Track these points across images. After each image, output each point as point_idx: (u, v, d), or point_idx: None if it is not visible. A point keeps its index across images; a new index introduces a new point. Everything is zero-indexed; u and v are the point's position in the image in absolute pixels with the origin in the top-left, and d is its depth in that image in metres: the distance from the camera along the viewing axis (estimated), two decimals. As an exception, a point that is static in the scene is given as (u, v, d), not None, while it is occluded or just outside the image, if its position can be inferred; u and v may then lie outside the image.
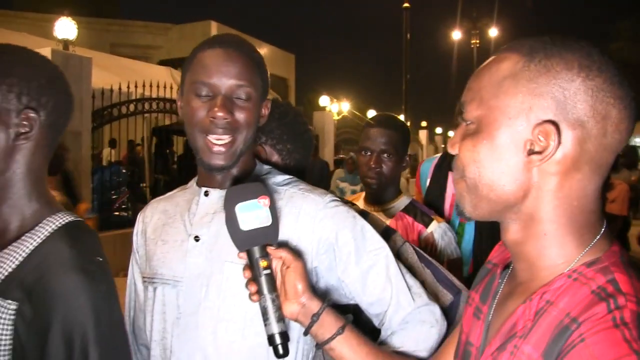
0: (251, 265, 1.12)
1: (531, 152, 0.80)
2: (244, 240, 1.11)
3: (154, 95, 8.40)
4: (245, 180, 1.30)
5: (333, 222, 1.27)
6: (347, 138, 19.19)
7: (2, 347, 1.00)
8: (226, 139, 1.23)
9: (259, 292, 1.10)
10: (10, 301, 1.01)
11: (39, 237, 1.07)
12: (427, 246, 1.98)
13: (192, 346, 1.24)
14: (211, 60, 1.24)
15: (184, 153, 10.95)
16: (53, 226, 1.10)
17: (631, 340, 0.67)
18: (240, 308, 1.21)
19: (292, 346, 1.20)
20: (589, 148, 0.79)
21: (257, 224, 1.10)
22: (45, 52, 6.30)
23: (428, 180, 2.74)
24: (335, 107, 22.80)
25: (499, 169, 0.83)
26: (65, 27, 7.14)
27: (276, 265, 1.14)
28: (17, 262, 1.04)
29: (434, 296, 1.37)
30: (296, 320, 1.14)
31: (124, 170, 9.26)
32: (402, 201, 2.11)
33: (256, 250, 1.11)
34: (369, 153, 2.07)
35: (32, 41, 8.32)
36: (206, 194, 1.32)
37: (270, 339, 1.09)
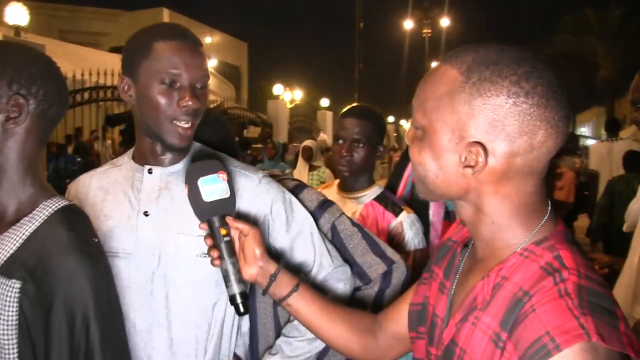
0: (212, 234, 1.23)
1: (466, 165, 0.90)
2: (206, 211, 1.22)
3: (108, 84, 8.33)
4: (197, 159, 1.41)
5: (268, 196, 1.44)
6: (301, 126, 19.27)
7: (9, 323, 1.06)
8: (191, 124, 1.35)
9: (220, 257, 1.21)
10: (14, 280, 1.07)
11: (37, 220, 1.13)
12: (395, 235, 2.06)
13: (147, 311, 1.36)
14: (177, 51, 1.33)
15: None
16: (50, 210, 1.15)
17: (572, 308, 0.77)
18: (192, 274, 1.35)
19: (220, 296, 1.37)
20: (517, 161, 0.88)
21: (218, 196, 1.21)
22: (-4, 38, 6.21)
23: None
24: (288, 95, 22.85)
25: (441, 175, 0.94)
26: (17, 13, 7.00)
27: (234, 234, 1.26)
28: (17, 244, 1.10)
29: (368, 266, 1.59)
30: (255, 282, 1.27)
31: (79, 159, 9.18)
32: (374, 190, 2.17)
33: (216, 220, 1.22)
34: (341, 142, 2.14)
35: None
36: (150, 171, 1.42)
37: (232, 299, 1.21)
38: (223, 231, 1.22)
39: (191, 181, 1.22)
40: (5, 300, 1.06)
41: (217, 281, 1.36)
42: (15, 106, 1.14)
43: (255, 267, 1.24)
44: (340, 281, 1.51)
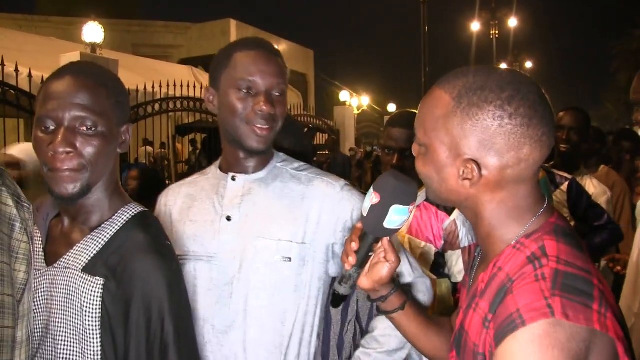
0: (362, 243, 1.20)
1: (463, 179, 1.02)
2: (377, 230, 1.17)
3: (177, 94, 8.56)
4: (397, 174, 1.25)
5: (349, 203, 1.47)
6: (368, 132, 19.24)
7: (93, 316, 1.17)
8: (267, 127, 1.41)
9: (355, 264, 1.21)
10: (98, 278, 1.18)
11: (117, 224, 1.25)
12: (450, 233, 2.10)
13: (227, 313, 1.42)
14: (253, 60, 1.42)
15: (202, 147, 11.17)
16: (128, 215, 1.27)
17: (545, 290, 0.87)
18: (271, 277, 1.39)
19: (300, 301, 1.43)
20: (508, 173, 1.00)
21: (396, 226, 1.17)
22: (75, 55, 6.48)
23: None
24: (355, 101, 22.85)
25: (444, 185, 1.07)
26: (93, 32, 7.35)
27: (378, 252, 1.24)
28: (100, 246, 1.22)
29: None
30: (366, 292, 1.29)
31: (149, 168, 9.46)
32: (425, 192, 2.20)
33: (371, 238, 1.19)
34: (390, 152, 2.19)
35: (60, 45, 8.55)
36: (233, 178, 1.50)
37: (335, 296, 1.24)
38: (372, 249, 1.21)
39: (384, 200, 1.15)
40: (90, 296, 1.17)
41: (297, 286, 1.41)
42: (127, 132, 1.31)
43: (372, 284, 1.25)
44: (419, 292, 1.51)
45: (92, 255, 1.21)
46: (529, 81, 1.03)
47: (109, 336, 1.17)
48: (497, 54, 31.67)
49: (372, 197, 1.16)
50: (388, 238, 1.21)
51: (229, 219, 1.46)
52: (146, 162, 10.30)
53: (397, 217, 1.15)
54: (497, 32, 31.49)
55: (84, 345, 1.17)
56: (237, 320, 1.42)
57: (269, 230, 1.41)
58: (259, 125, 1.41)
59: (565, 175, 2.99)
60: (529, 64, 37.35)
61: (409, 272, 1.50)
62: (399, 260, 1.24)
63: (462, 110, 1.00)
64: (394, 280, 1.29)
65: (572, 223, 2.85)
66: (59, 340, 1.20)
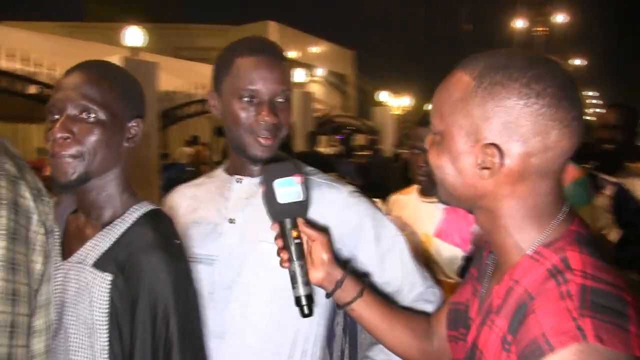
0: (283, 235, 1.24)
1: (482, 167, 0.93)
2: (279, 212, 1.24)
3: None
4: (273, 161, 1.40)
5: (356, 210, 1.42)
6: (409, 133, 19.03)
7: (101, 311, 1.19)
8: (271, 137, 1.38)
9: (289, 259, 1.23)
10: (107, 274, 1.20)
11: (127, 222, 1.26)
12: (479, 237, 2.02)
13: (224, 317, 1.39)
14: (254, 67, 1.37)
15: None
16: (139, 213, 1.28)
17: (572, 309, 0.77)
18: (270, 282, 1.35)
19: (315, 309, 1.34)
20: (533, 162, 0.90)
21: (292, 199, 1.23)
22: (116, 59, 6.67)
23: None
24: (395, 101, 22.70)
25: (459, 178, 0.97)
26: (134, 35, 7.50)
27: (304, 238, 1.27)
28: (111, 242, 1.24)
29: None
30: (321, 286, 1.28)
31: (189, 168, 9.63)
32: None
33: (288, 222, 1.24)
34: (418, 151, 2.16)
35: (104, 50, 8.80)
36: (239, 181, 1.47)
37: (297, 301, 1.23)
38: (294, 233, 1.24)
39: (267, 182, 1.23)
40: (99, 291, 1.19)
41: None
42: (136, 127, 1.32)
43: (321, 272, 1.26)
44: (430, 303, 1.44)
45: (102, 251, 1.23)
46: (556, 63, 0.93)
47: (116, 331, 1.18)
48: (542, 51, 30.98)
49: (260, 191, 1.26)
50: (302, 220, 1.26)
51: (232, 221, 1.43)
52: (185, 163, 10.46)
53: (285, 189, 1.22)
54: (542, 29, 30.78)
55: (92, 339, 1.19)
56: (235, 325, 1.39)
57: (271, 234, 1.34)
58: (263, 136, 1.37)
59: (611, 179, 2.86)
60: (576, 62, 36.39)
61: (419, 282, 1.45)
62: (323, 233, 1.27)
63: (484, 90, 0.91)
64: (344, 265, 1.30)
65: (614, 230, 2.73)
66: (70, 332, 1.22)
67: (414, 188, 2.31)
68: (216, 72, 1.45)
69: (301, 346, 1.40)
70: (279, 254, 1.25)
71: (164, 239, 1.23)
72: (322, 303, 1.42)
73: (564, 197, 0.96)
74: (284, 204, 1.23)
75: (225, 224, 1.44)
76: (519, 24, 30.33)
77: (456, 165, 0.96)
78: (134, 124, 1.32)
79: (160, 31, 18.70)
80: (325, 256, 1.26)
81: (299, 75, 12.48)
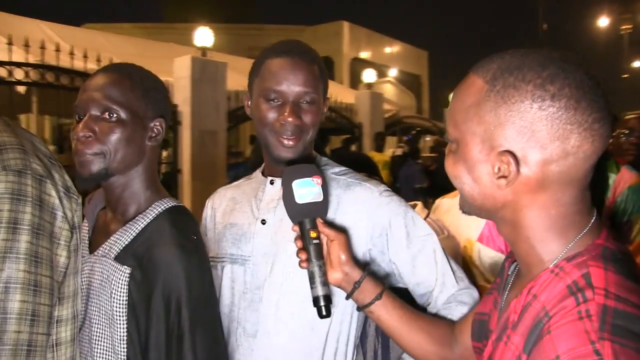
0: (302, 236, 1.26)
1: (499, 176, 0.87)
2: (297, 213, 1.26)
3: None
4: (295, 163, 1.42)
5: (387, 210, 1.41)
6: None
7: (121, 302, 1.24)
8: (294, 138, 1.39)
9: (308, 259, 1.24)
10: (126, 267, 1.26)
11: (148, 217, 1.32)
12: None
13: (257, 317, 1.41)
14: (279, 68, 1.39)
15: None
16: (160, 209, 1.34)
17: (590, 332, 0.71)
18: (302, 283, 1.34)
19: (333, 310, 1.36)
20: (552, 169, 0.84)
21: (310, 199, 1.24)
22: (186, 59, 6.84)
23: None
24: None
25: (476, 188, 0.92)
26: (203, 36, 7.66)
27: (323, 238, 1.28)
28: (132, 237, 1.30)
29: None
30: (339, 287, 1.29)
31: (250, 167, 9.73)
32: None
33: (307, 222, 1.25)
34: None
35: (177, 50, 9.03)
36: (272, 182, 1.50)
37: (315, 301, 1.23)
38: (313, 234, 1.25)
39: (286, 183, 1.26)
40: (119, 283, 1.25)
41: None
42: (159, 126, 1.38)
43: (340, 272, 1.27)
44: (465, 305, 1.40)
45: (124, 245, 1.29)
46: (575, 61, 0.86)
47: (134, 322, 1.23)
48: (629, 51, 29.48)
49: (280, 194, 1.28)
50: (321, 220, 1.27)
51: (263, 222, 1.46)
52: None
53: (304, 189, 1.24)
54: (630, 26, 29.18)
55: (112, 329, 1.25)
56: (267, 324, 1.41)
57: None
58: (285, 137, 1.39)
59: None
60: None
61: (452, 283, 1.41)
62: (342, 233, 1.28)
63: (497, 94, 0.86)
64: (364, 266, 1.30)
65: None
66: (93, 322, 1.29)
67: None
68: (250, 73, 1.49)
69: (333, 346, 1.42)
70: (298, 255, 1.26)
71: (181, 234, 1.28)
72: (354, 304, 1.41)
73: (592, 208, 0.90)
74: (302, 204, 1.24)
75: (258, 224, 1.47)
76: (603, 22, 28.94)
77: (472, 174, 0.91)
78: (156, 123, 1.37)
79: (235, 31, 19.14)
80: (343, 256, 1.26)
81: (368, 75, 12.39)
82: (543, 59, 0.85)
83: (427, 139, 16.34)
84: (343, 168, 1.53)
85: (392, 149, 11.83)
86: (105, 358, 1.27)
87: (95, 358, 1.28)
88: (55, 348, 1.19)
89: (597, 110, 0.82)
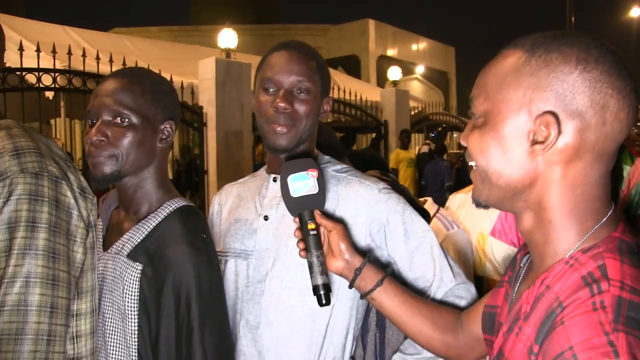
0: (301, 227, 1.30)
1: (534, 142, 0.85)
2: (294, 206, 1.31)
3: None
4: (293, 158, 1.46)
5: (385, 207, 1.44)
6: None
7: (133, 297, 1.30)
8: (286, 125, 1.43)
9: (307, 249, 1.28)
10: (138, 264, 1.32)
11: (160, 216, 1.37)
12: None
13: (259, 309, 1.46)
14: (276, 60, 1.46)
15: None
16: (171, 208, 1.39)
17: (605, 323, 0.70)
18: (302, 277, 1.39)
19: (333, 301, 1.40)
20: (589, 137, 0.83)
21: (305, 192, 1.29)
22: (210, 61, 6.90)
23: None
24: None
25: (505, 159, 0.88)
26: (227, 37, 7.72)
27: (322, 230, 1.32)
28: (144, 235, 1.35)
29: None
30: (341, 275, 1.32)
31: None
32: None
33: (305, 214, 1.30)
34: None
35: (202, 52, 9.13)
36: (274, 180, 1.54)
37: (315, 289, 1.27)
38: (311, 225, 1.29)
39: (283, 178, 1.31)
40: (130, 280, 1.31)
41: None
42: (169, 128, 1.43)
43: (341, 261, 1.30)
44: (462, 299, 1.43)
45: (136, 242, 1.34)
46: (606, 40, 0.86)
47: (145, 316, 1.29)
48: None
49: (280, 187, 1.33)
50: (318, 212, 1.31)
51: (266, 218, 1.51)
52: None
53: (298, 183, 1.29)
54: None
55: (124, 323, 1.30)
56: (269, 317, 1.45)
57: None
58: (278, 124, 1.42)
59: None
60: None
61: (450, 278, 1.44)
62: (339, 223, 1.32)
63: (538, 58, 0.85)
64: (365, 254, 1.32)
65: None
66: (106, 316, 1.35)
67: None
68: (255, 72, 1.55)
69: (334, 339, 1.45)
70: (298, 245, 1.31)
71: (191, 232, 1.33)
72: (354, 297, 1.46)
73: (611, 201, 0.89)
74: (298, 197, 1.30)
75: (261, 220, 1.51)
76: (636, 12, 28.25)
77: (502, 145, 0.88)
78: (166, 126, 1.42)
79: (259, 32, 19.21)
80: (342, 245, 1.30)
81: (394, 72, 12.34)
82: (581, 34, 0.86)
83: (455, 135, 16.21)
84: (344, 166, 1.56)
85: (418, 146, 11.74)
86: (118, 351, 1.32)
87: (108, 351, 1.33)
88: (75, 340, 1.25)
89: (632, 82, 0.83)
